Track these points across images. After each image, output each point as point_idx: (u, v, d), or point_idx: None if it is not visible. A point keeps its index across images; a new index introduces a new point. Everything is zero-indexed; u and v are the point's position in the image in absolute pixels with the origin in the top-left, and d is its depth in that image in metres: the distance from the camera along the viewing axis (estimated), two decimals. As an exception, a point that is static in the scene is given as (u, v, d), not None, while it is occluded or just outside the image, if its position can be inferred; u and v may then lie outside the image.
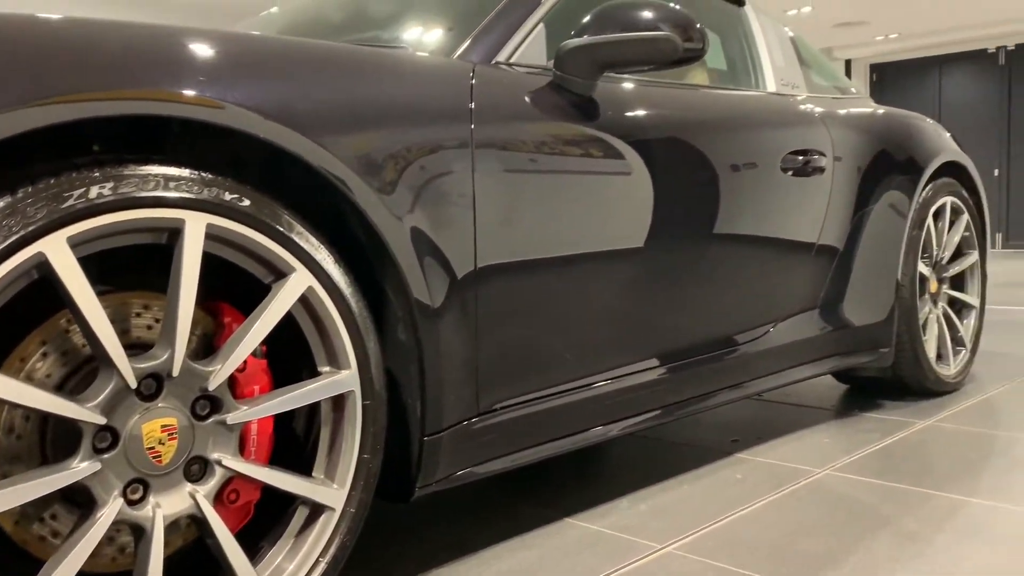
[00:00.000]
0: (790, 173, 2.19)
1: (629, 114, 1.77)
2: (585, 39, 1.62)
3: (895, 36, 11.44)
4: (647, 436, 2.36)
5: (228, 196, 1.12)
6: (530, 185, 1.53)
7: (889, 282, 2.55)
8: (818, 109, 2.46)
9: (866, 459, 2.10)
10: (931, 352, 2.72)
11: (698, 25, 1.67)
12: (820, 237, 2.35)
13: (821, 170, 2.31)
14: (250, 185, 1.16)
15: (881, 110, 2.81)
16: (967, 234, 2.94)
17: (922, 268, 2.69)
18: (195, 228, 1.09)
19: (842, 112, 2.57)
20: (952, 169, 2.87)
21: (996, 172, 11.34)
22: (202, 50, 1.14)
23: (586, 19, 1.66)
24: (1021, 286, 6.54)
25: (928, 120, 2.95)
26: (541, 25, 1.74)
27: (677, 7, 1.67)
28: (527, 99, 1.58)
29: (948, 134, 2.99)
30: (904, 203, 2.59)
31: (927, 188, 2.69)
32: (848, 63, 12.27)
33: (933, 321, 2.78)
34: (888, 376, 2.67)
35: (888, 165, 2.59)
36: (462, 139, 1.42)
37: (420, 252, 1.33)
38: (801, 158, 2.23)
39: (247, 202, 1.13)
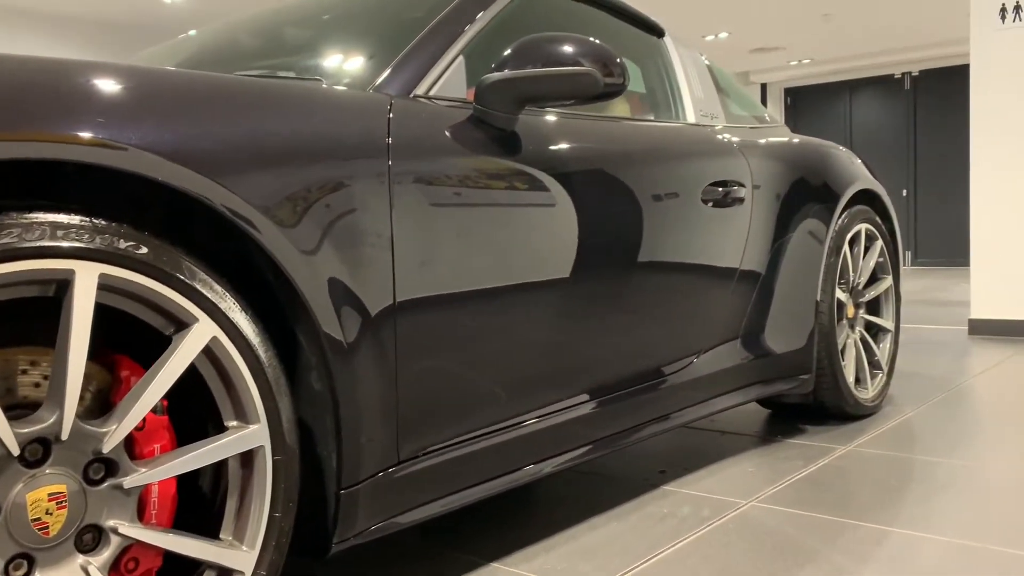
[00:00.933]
0: (711, 204, 2.20)
1: (552, 147, 1.74)
2: (505, 73, 1.59)
3: (808, 61, 11.83)
4: (574, 469, 2.33)
5: (123, 244, 1.04)
6: (451, 222, 1.49)
7: (808, 309, 2.58)
8: (736, 139, 2.48)
9: (790, 488, 2.11)
10: (850, 377, 2.77)
11: (618, 60, 1.66)
12: (741, 267, 2.37)
13: (741, 200, 2.33)
14: (150, 230, 1.08)
15: (797, 139, 2.86)
16: (881, 260, 3.01)
17: (839, 294, 2.74)
18: (86, 279, 1.01)
19: (760, 142, 2.61)
20: (866, 197, 2.94)
21: (904, 192, 11.79)
22: (100, 86, 1.06)
23: (507, 52, 1.63)
24: (930, 304, 6.79)
25: (842, 149, 3.03)
26: (461, 57, 1.70)
27: (597, 42, 1.66)
28: (447, 133, 1.54)
29: (860, 162, 3.06)
30: (821, 231, 2.64)
31: (843, 216, 2.74)
32: (764, 87, 12.62)
33: (851, 346, 2.83)
34: (809, 401, 2.70)
35: (805, 194, 2.63)
36: (378, 176, 1.37)
37: (334, 295, 1.27)
38: (721, 189, 2.25)
39: (144, 250, 1.06)
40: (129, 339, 1.17)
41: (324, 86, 1.50)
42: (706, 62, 2.73)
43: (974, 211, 4.76)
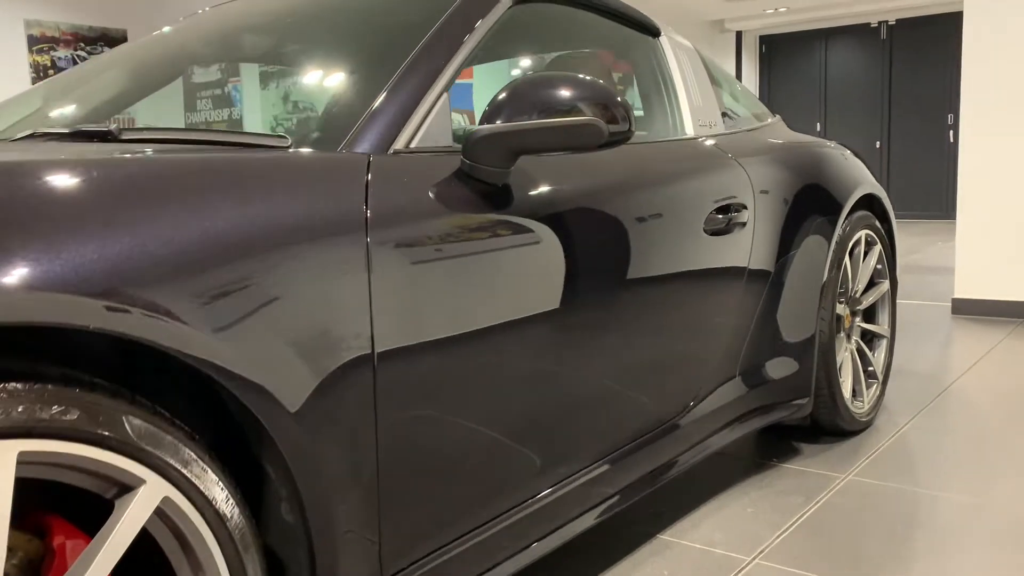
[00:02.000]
0: (713, 234, 2.03)
1: (545, 189, 1.55)
2: (497, 126, 1.39)
3: (784, 9, 11.55)
4: (563, 509, 2.19)
5: (47, 411, 0.85)
6: (439, 309, 1.30)
7: (808, 330, 2.44)
8: (737, 150, 2.30)
9: (794, 538, 1.99)
10: (847, 392, 2.65)
11: (621, 102, 1.46)
12: (743, 296, 2.21)
13: (743, 224, 2.16)
14: (79, 383, 0.89)
15: (796, 140, 2.69)
16: (879, 266, 2.87)
17: (839, 308, 2.60)
18: (1, 459, 0.82)
19: (761, 148, 2.43)
20: (866, 201, 2.79)
21: (878, 144, 11.69)
22: None
23: (499, 97, 1.42)
24: (909, 270, 6.71)
25: (845, 151, 2.86)
26: (446, 96, 1.50)
27: (599, 83, 1.46)
28: (432, 195, 1.34)
29: (861, 163, 2.90)
30: (823, 245, 2.48)
31: (845, 225, 2.59)
32: (739, 35, 12.34)
33: (848, 358, 2.70)
34: (805, 423, 2.58)
35: (808, 206, 2.47)
36: (354, 257, 1.17)
37: (305, 422, 1.09)
38: (723, 216, 2.07)
39: (74, 414, 0.87)
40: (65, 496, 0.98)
41: (286, 151, 1.29)
42: (700, 56, 2.53)
43: (962, 190, 4.63)
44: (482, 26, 1.63)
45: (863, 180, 2.75)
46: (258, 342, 1.02)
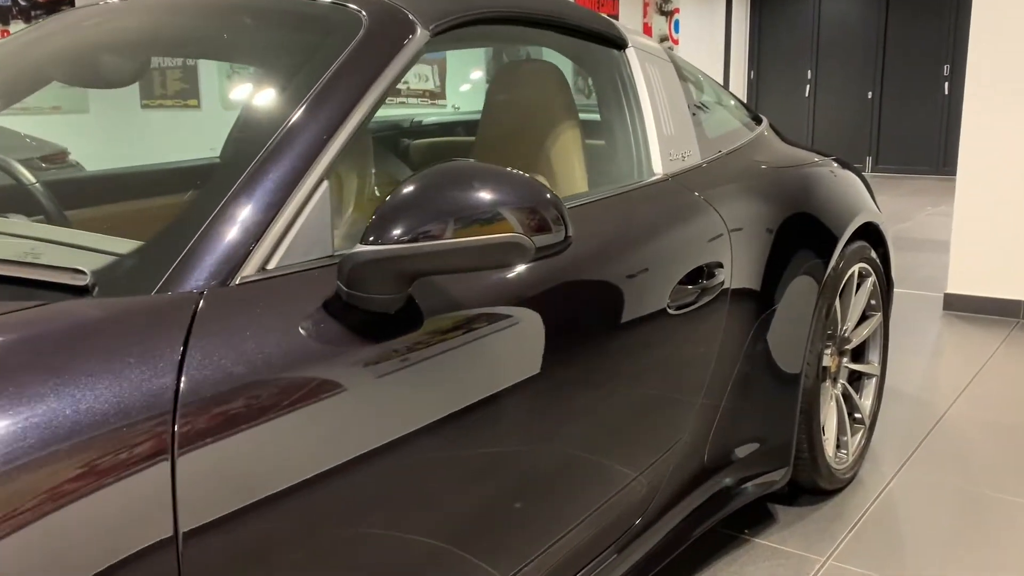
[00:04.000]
0: (680, 310, 1.68)
1: (455, 300, 1.20)
2: (384, 250, 1.03)
3: (778, -53, 10.95)
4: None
5: None
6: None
7: (789, 391, 2.12)
8: (714, 185, 1.94)
9: (763, 663, 1.71)
10: (830, 450, 2.35)
11: (553, 201, 1.10)
12: (714, 373, 1.87)
13: (717, 288, 1.81)
14: None
15: (785, 162, 2.32)
16: (873, 301, 2.54)
17: (826, 359, 2.28)
18: None
19: (743, 177, 2.07)
20: (864, 229, 2.44)
21: (869, 95, 11.24)
22: None
23: (395, 198, 1.06)
24: (896, 247, 6.38)
25: (841, 170, 2.50)
26: (326, 184, 1.13)
27: (525, 178, 1.09)
28: (292, 336, 0.99)
29: (859, 180, 2.55)
30: (811, 289, 2.14)
31: (838, 261, 2.24)
32: (731, -25, 11.73)
33: (832, 409, 2.39)
34: (782, 489, 2.29)
35: (795, 243, 2.12)
36: (153, 450, 0.83)
37: None
38: (692, 287, 1.72)
39: None
40: None
41: (78, 298, 0.93)
42: (675, 64, 2.14)
43: (961, 182, 4.27)
44: (378, 85, 1.25)
45: (861, 206, 2.39)
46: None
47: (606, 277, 1.51)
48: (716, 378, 1.87)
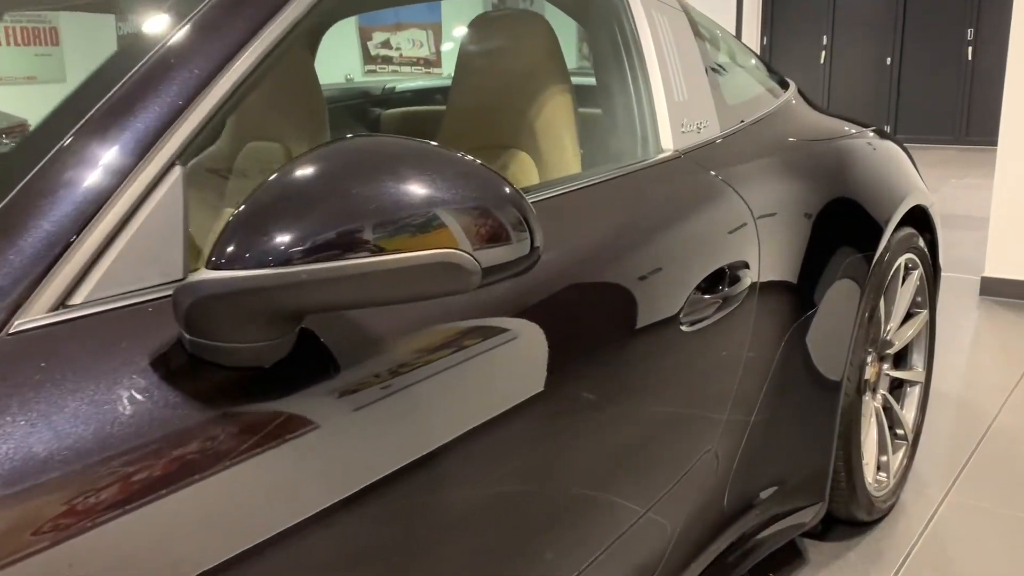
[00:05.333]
0: (696, 325, 1.31)
1: (376, 332, 0.84)
2: (245, 277, 0.66)
3: (793, -95, 10.42)
4: None
5: None
6: None
7: (827, 413, 1.76)
8: (735, 167, 1.56)
9: None
10: (870, 475, 1.99)
11: (516, 202, 0.73)
12: (736, 396, 1.50)
13: (741, 296, 1.43)
14: None
15: (819, 134, 1.95)
16: (919, 298, 2.16)
17: (866, 370, 1.91)
18: None
19: (769, 153, 1.69)
20: (912, 214, 2.06)
21: (888, 61, 10.74)
22: None
23: (267, 194, 0.69)
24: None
25: (888, 143, 2.12)
26: (177, 175, 0.76)
27: (479, 165, 0.73)
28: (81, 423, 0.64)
29: (905, 156, 2.16)
30: (852, 288, 1.77)
31: (885, 253, 1.87)
32: (742, -66, 11.18)
33: (871, 424, 2.03)
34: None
35: (834, 234, 1.74)
36: None
37: None
38: (710, 296, 1.35)
39: None
40: None
41: None
42: (688, 16, 1.76)
43: (1002, 156, 3.86)
44: (271, 23, 0.88)
45: (910, 186, 2.01)
46: None
47: (601, 280, 1.14)
48: (740, 403, 1.51)
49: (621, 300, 1.18)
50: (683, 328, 1.27)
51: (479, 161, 0.74)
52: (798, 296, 1.63)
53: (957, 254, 4.89)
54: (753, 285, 1.46)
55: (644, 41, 1.52)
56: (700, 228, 1.37)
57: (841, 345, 1.75)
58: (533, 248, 0.75)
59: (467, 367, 0.92)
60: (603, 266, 1.17)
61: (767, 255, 1.52)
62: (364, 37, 6.84)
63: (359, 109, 2.56)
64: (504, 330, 0.97)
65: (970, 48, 10.19)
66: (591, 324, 1.12)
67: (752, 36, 11.34)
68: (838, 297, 1.73)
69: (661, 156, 1.46)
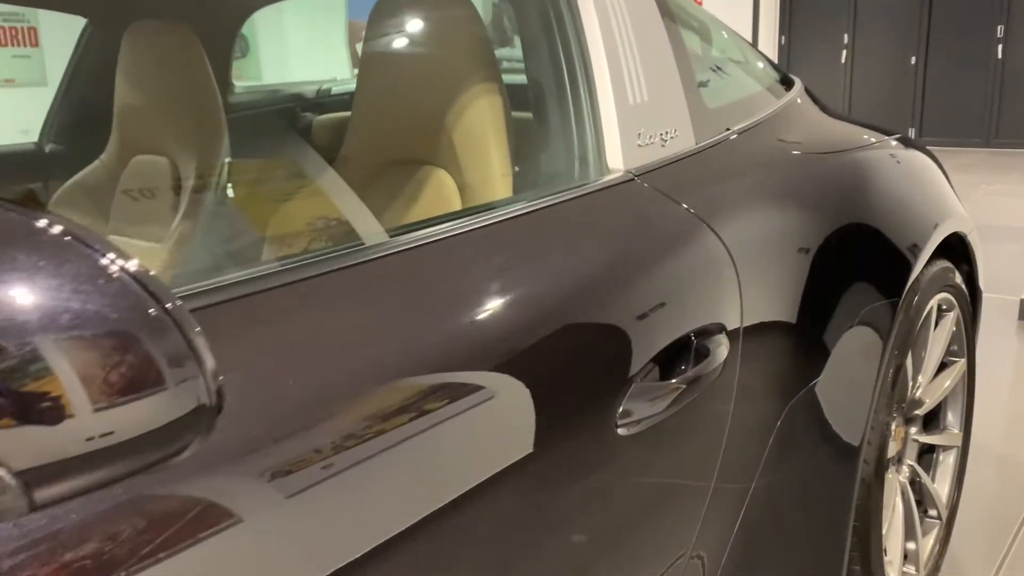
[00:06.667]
0: (639, 426, 0.91)
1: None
2: None
3: (813, -103, 9.98)
4: None
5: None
6: None
7: (836, 496, 1.36)
8: (712, 188, 1.17)
9: None
10: (895, 574, 1.58)
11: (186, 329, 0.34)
12: (712, 491, 1.10)
13: (711, 376, 1.03)
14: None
15: (831, 145, 1.55)
16: (954, 346, 1.76)
17: (891, 440, 1.50)
18: None
19: (759, 171, 1.30)
20: (947, 242, 1.65)
21: (913, 60, 10.25)
22: None
23: None
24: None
25: (915, 154, 1.71)
26: None
27: (123, 267, 0.34)
28: None
29: (938, 168, 1.75)
30: (872, 346, 1.37)
31: (913, 296, 1.46)
32: (760, -70, 10.75)
33: (896, 506, 1.62)
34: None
35: (845, 275, 1.34)
36: None
37: None
38: (663, 383, 0.95)
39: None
40: None
41: None
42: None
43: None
44: None
45: (944, 209, 1.61)
46: None
47: (486, 405, 0.75)
48: (719, 499, 1.11)
49: (524, 401, 0.79)
50: (620, 432, 0.88)
51: (123, 252, 0.36)
52: (795, 360, 1.23)
53: (991, 270, 4.43)
54: (733, 354, 1.06)
55: (587, 22, 1.13)
56: (652, 285, 0.97)
57: (857, 416, 1.34)
58: (216, 396, 0.37)
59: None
60: (487, 356, 0.78)
61: (753, 312, 1.12)
62: (353, 37, 6.50)
63: (290, 114, 2.19)
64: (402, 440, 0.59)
65: (1000, 46, 9.70)
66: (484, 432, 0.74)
67: (769, 36, 10.91)
68: (852, 354, 1.32)
69: (605, 179, 1.07)
